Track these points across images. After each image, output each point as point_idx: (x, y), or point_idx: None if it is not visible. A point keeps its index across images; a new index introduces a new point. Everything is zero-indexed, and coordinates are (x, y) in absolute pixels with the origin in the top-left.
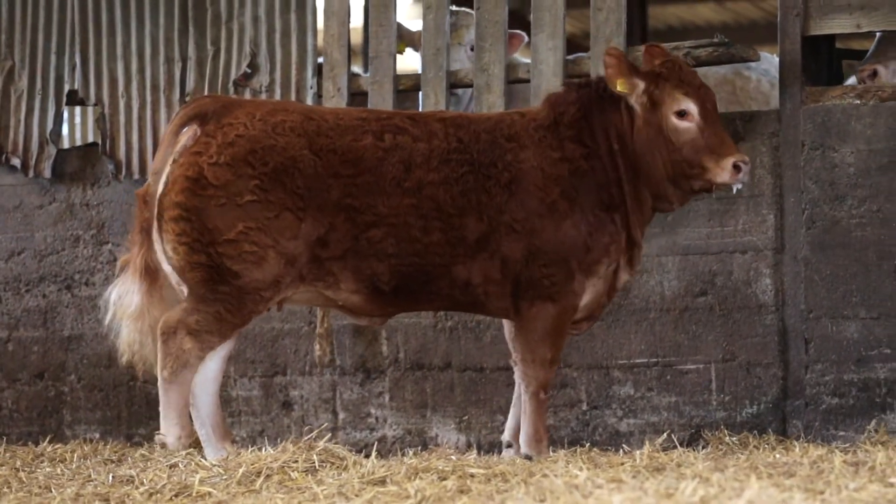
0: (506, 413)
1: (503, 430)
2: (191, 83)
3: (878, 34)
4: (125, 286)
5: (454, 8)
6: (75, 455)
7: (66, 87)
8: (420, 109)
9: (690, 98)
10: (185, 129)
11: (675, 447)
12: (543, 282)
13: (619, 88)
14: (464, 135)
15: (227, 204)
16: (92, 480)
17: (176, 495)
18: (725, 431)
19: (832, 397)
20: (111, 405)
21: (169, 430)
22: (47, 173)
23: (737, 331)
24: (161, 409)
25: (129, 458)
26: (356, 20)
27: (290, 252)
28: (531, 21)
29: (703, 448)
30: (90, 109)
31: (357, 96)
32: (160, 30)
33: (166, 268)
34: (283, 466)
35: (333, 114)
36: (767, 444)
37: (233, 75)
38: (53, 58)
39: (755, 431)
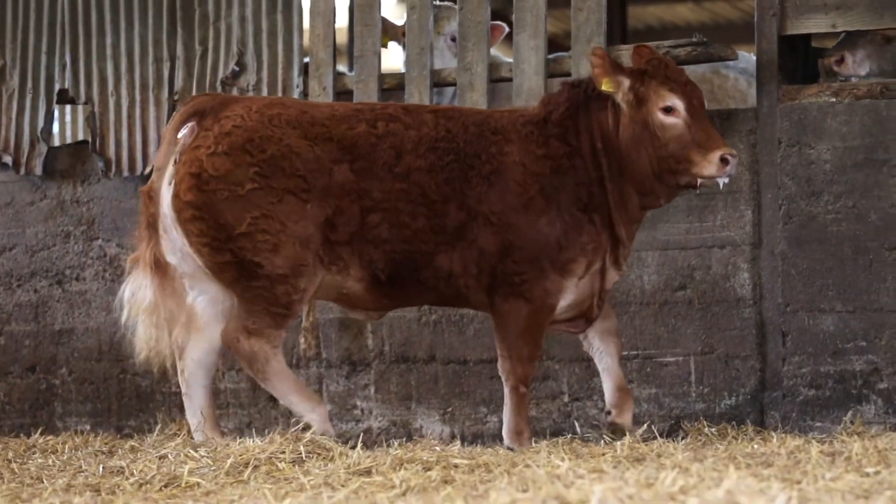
0: (489, 405)
1: (486, 422)
2: (179, 82)
3: None
4: (137, 282)
5: (437, 3)
6: (66, 446)
7: (57, 87)
8: None
9: (676, 94)
10: (184, 127)
11: (655, 438)
12: (515, 278)
13: (604, 87)
14: (452, 125)
15: (230, 196)
16: (83, 471)
17: (165, 486)
18: (704, 422)
19: (809, 389)
20: (101, 398)
21: (304, 413)
22: (38, 170)
23: (715, 324)
24: (282, 402)
25: (120, 450)
26: (341, 20)
27: (301, 234)
28: (513, 21)
29: (683, 439)
30: (80, 108)
31: (343, 95)
32: (149, 30)
33: (172, 260)
34: (271, 457)
35: (329, 107)
36: (745, 434)
37: (220, 75)
38: (44, 57)
39: (733, 422)
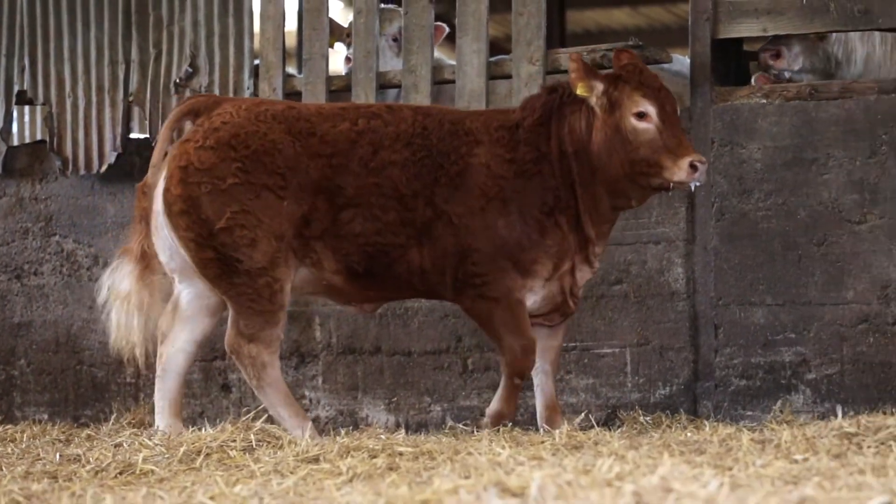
0: (433, 395)
1: (430, 411)
2: (134, 84)
3: None
4: (120, 270)
5: (382, 6)
6: (25, 435)
7: (16, 88)
8: None
9: (649, 100)
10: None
11: (592, 426)
12: (475, 280)
13: (579, 91)
14: (429, 123)
15: (213, 190)
16: (41, 459)
17: (120, 473)
18: (640, 412)
19: (740, 379)
20: (59, 388)
21: (291, 429)
22: None
23: (650, 317)
24: (271, 412)
25: (76, 438)
26: (290, 24)
27: (276, 230)
28: (456, 25)
29: (619, 427)
30: (38, 109)
31: (292, 96)
32: (104, 34)
33: (163, 258)
34: (223, 445)
35: (316, 106)
36: (679, 423)
37: (174, 76)
38: (3, 60)
39: (668, 411)
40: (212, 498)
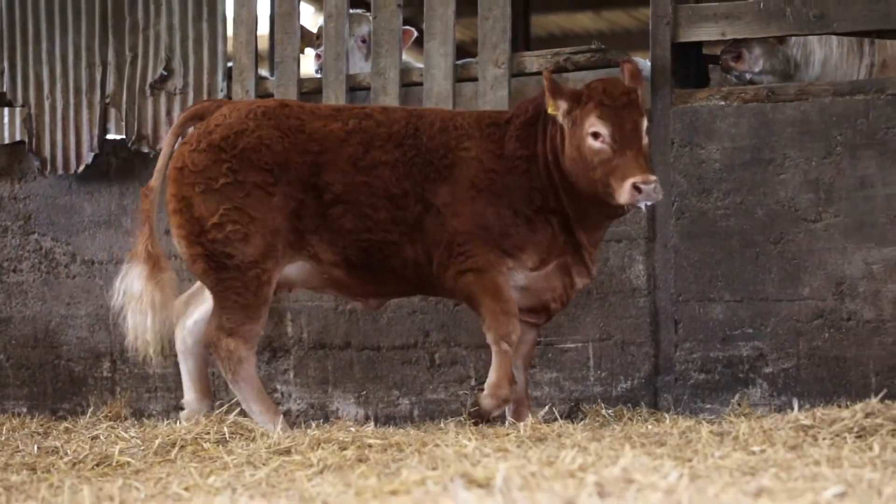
0: (401, 388)
1: (398, 405)
2: (110, 86)
3: None
4: (130, 273)
5: (351, 10)
6: (4, 428)
7: None
8: None
9: (604, 120)
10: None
11: (556, 419)
12: (460, 258)
13: (549, 110)
14: (421, 124)
15: (206, 190)
16: (20, 451)
17: (97, 464)
18: (602, 405)
19: (699, 373)
20: (37, 382)
21: (263, 424)
22: None
23: (612, 312)
24: (243, 406)
25: (54, 431)
26: (263, 28)
27: (269, 224)
28: (424, 29)
29: (582, 420)
30: (18, 110)
31: (264, 98)
32: (82, 37)
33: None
34: (197, 438)
35: (311, 105)
36: (640, 416)
37: (149, 79)
38: None
39: (629, 405)
40: (186, 489)
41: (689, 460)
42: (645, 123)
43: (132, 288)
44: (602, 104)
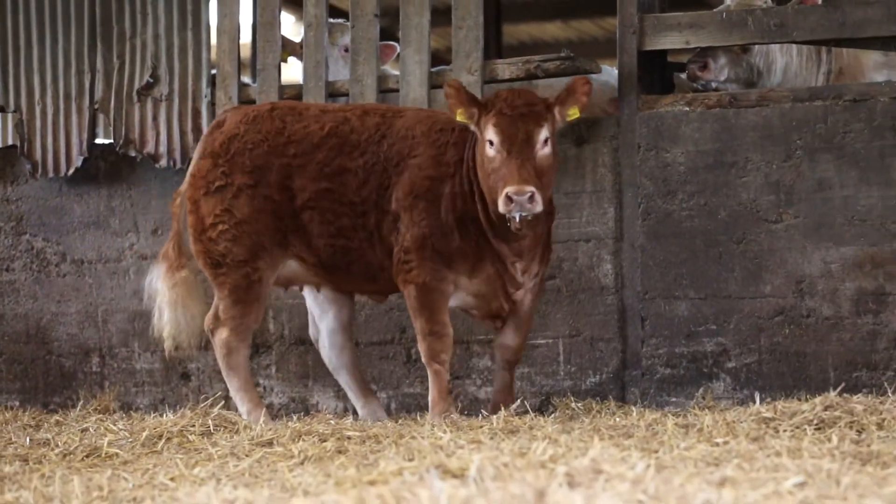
0: (378, 382)
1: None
2: (99, 92)
3: None
4: (155, 272)
5: (332, 21)
6: None
7: None
8: None
9: (496, 128)
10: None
11: (527, 412)
12: (404, 266)
13: (458, 118)
14: (388, 130)
15: (207, 192)
16: (12, 443)
17: (87, 456)
18: (572, 398)
19: (665, 368)
20: (29, 377)
21: (245, 414)
22: None
23: (582, 310)
24: (231, 395)
25: (46, 424)
26: (245, 37)
27: (255, 225)
28: (400, 37)
29: (552, 413)
30: (10, 116)
31: (247, 104)
32: (71, 45)
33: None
34: (182, 430)
35: (304, 106)
36: (608, 409)
37: (136, 85)
38: None
39: (598, 398)
40: (172, 479)
41: (656, 451)
42: (544, 135)
43: (155, 286)
44: (500, 113)
